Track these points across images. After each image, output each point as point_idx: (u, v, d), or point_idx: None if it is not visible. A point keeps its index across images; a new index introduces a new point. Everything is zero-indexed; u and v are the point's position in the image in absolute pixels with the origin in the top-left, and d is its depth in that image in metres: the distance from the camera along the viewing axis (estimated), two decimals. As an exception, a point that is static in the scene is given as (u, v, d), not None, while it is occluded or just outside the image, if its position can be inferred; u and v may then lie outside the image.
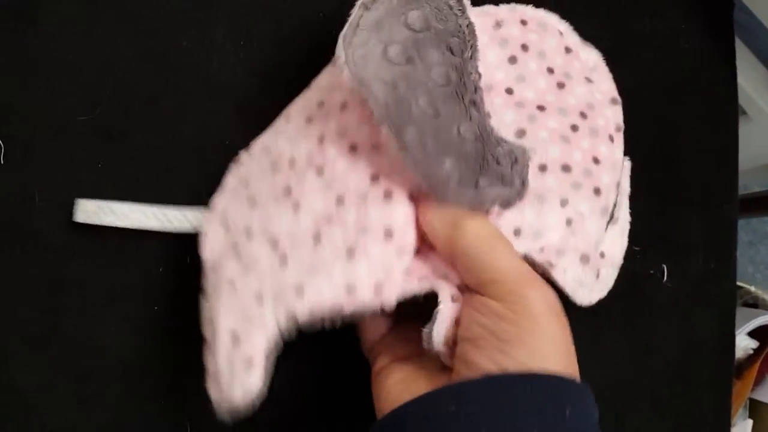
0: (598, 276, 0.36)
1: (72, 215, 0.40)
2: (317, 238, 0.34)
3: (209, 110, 0.41)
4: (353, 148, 0.35)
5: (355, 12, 0.34)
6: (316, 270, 0.33)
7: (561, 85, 0.38)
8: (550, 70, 0.39)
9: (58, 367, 0.40)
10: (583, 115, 0.38)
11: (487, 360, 0.28)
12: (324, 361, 0.37)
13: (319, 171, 0.35)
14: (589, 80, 0.39)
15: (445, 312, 0.32)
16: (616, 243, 0.37)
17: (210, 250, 0.36)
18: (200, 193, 0.39)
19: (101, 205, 0.39)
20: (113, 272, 0.40)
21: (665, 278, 0.40)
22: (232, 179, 0.38)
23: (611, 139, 0.38)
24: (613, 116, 0.39)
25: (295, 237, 0.34)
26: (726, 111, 0.42)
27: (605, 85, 0.39)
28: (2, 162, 0.40)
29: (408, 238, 0.34)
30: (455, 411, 0.27)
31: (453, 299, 0.32)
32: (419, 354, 0.33)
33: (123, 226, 0.39)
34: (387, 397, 0.32)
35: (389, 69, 0.33)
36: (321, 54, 0.39)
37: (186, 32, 0.42)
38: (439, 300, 0.32)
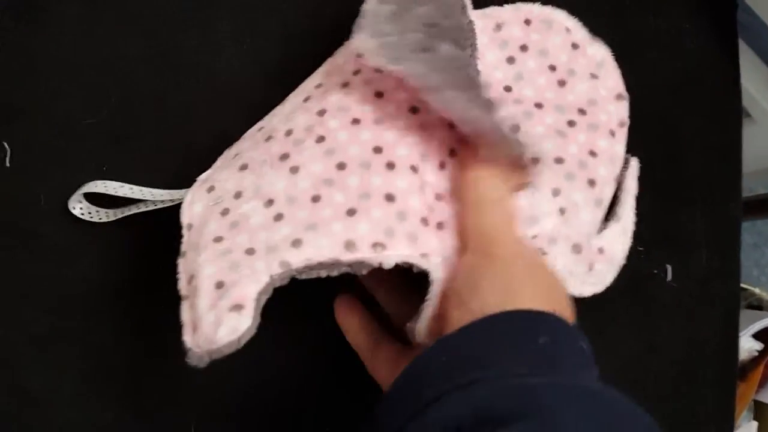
0: (591, 269, 0.36)
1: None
2: (316, 199, 0.34)
3: (214, 110, 0.41)
4: (356, 122, 0.36)
5: (371, 4, 0.35)
6: (314, 227, 0.33)
7: (562, 83, 0.39)
8: (552, 68, 0.39)
9: (62, 366, 0.40)
10: (582, 112, 0.38)
11: (462, 312, 0.30)
12: (336, 347, 0.37)
13: (320, 139, 0.35)
14: (594, 76, 0.39)
15: (428, 309, 0.33)
16: (617, 241, 0.38)
17: (190, 215, 0.35)
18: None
19: (95, 182, 0.39)
20: (117, 272, 0.40)
21: (669, 277, 0.40)
22: (221, 158, 0.38)
23: (612, 133, 0.38)
24: (617, 112, 0.39)
25: (292, 197, 0.34)
26: (729, 109, 0.42)
27: (611, 81, 0.40)
28: (8, 165, 0.41)
29: (410, 203, 0.34)
30: (432, 365, 0.29)
31: (442, 284, 0.33)
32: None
33: (110, 193, 0.39)
34: (387, 377, 0.34)
35: (413, 54, 0.34)
36: (326, 51, 0.40)
37: (189, 32, 0.42)
38: (426, 298, 0.33)
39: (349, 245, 0.33)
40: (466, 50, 0.35)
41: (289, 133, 0.36)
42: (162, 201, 0.39)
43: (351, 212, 0.33)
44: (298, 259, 0.32)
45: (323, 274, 0.33)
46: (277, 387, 0.37)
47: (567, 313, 0.31)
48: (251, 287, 0.31)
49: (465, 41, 0.35)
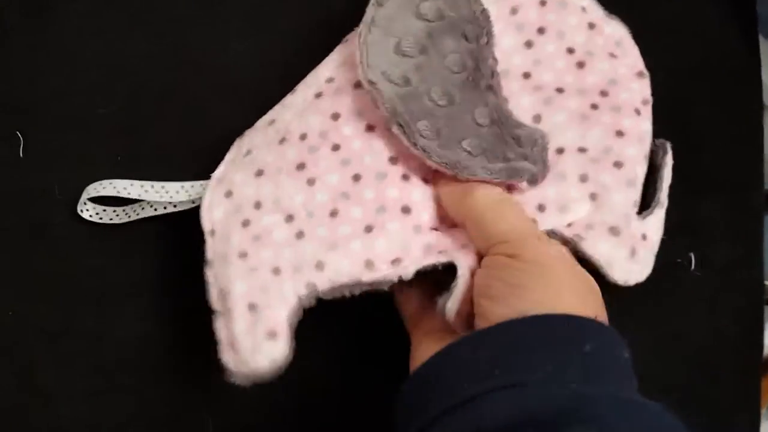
0: (634, 254, 0.35)
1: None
2: (334, 213, 0.35)
3: (225, 105, 0.41)
4: (370, 128, 0.36)
5: (369, 10, 0.35)
6: (334, 246, 0.34)
7: (581, 65, 0.38)
8: (570, 50, 0.38)
9: (75, 361, 0.39)
10: (603, 93, 0.38)
11: (502, 307, 0.29)
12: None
13: (335, 148, 0.36)
14: (612, 56, 0.39)
15: (461, 284, 0.32)
16: (658, 227, 0.37)
17: (211, 220, 0.36)
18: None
19: (102, 182, 0.39)
20: (131, 265, 0.40)
21: (692, 266, 0.40)
22: (233, 150, 0.38)
23: (637, 112, 0.37)
24: (640, 90, 0.38)
25: (311, 212, 0.35)
26: (750, 98, 0.42)
27: (631, 58, 0.39)
28: (21, 156, 0.41)
29: (425, 216, 0.35)
30: (471, 357, 0.28)
31: (471, 271, 0.33)
32: (449, 328, 0.33)
33: (123, 196, 0.38)
34: None
35: (401, 63, 0.35)
36: (335, 47, 0.39)
37: (199, 28, 0.42)
38: (458, 274, 0.33)
39: (369, 264, 0.34)
40: (482, 39, 0.35)
41: (303, 137, 0.36)
42: (177, 202, 0.39)
43: (368, 229, 0.34)
44: (323, 281, 0.33)
45: (346, 293, 0.34)
46: (295, 382, 0.37)
47: (604, 317, 0.31)
48: (282, 311, 0.33)
49: (480, 29, 0.36)
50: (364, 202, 0.35)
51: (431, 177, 0.36)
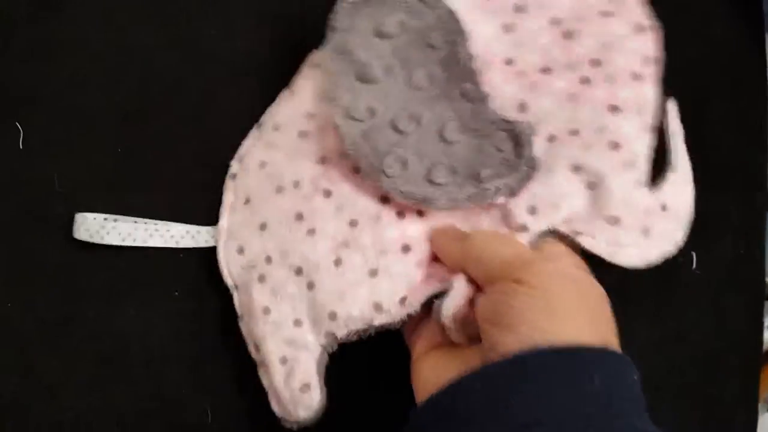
0: (647, 234, 0.34)
1: (92, 200, 0.39)
2: (338, 262, 0.35)
3: (232, 98, 0.41)
4: (356, 170, 0.36)
5: (328, 35, 0.35)
6: (343, 295, 0.35)
7: (568, 35, 0.36)
8: (555, 21, 0.36)
9: (78, 353, 0.39)
10: (595, 63, 0.35)
11: (510, 335, 0.28)
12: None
13: (327, 194, 0.36)
14: (606, 14, 0.36)
15: (457, 288, 0.32)
16: (679, 192, 0.35)
17: (231, 276, 0.38)
18: (219, 183, 0.39)
19: (104, 223, 0.39)
20: (133, 258, 0.40)
21: (694, 265, 0.40)
22: (230, 195, 0.39)
23: (635, 77, 0.35)
24: (640, 47, 0.35)
25: (316, 264, 0.35)
26: (756, 96, 0.42)
27: (628, 12, 0.36)
28: (21, 147, 0.40)
29: (424, 250, 0.35)
30: (484, 391, 0.28)
31: (467, 279, 0.32)
32: (447, 338, 0.33)
33: (126, 245, 0.39)
34: (423, 386, 0.32)
35: (365, 92, 0.35)
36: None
37: (210, 19, 0.41)
38: (453, 279, 0.32)
39: (378, 307, 0.34)
40: (450, 43, 0.35)
41: (296, 185, 0.37)
42: (174, 240, 0.39)
43: (373, 273, 0.35)
44: (340, 329, 0.35)
45: (363, 336, 0.35)
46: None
47: (612, 335, 0.30)
48: (311, 363, 0.35)
49: (448, 33, 0.35)
50: (364, 249, 0.35)
51: (424, 210, 0.35)
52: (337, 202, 0.36)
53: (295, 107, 0.38)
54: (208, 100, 0.41)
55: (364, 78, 0.35)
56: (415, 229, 0.35)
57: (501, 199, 0.34)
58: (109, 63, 0.41)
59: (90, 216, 0.39)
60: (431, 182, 0.34)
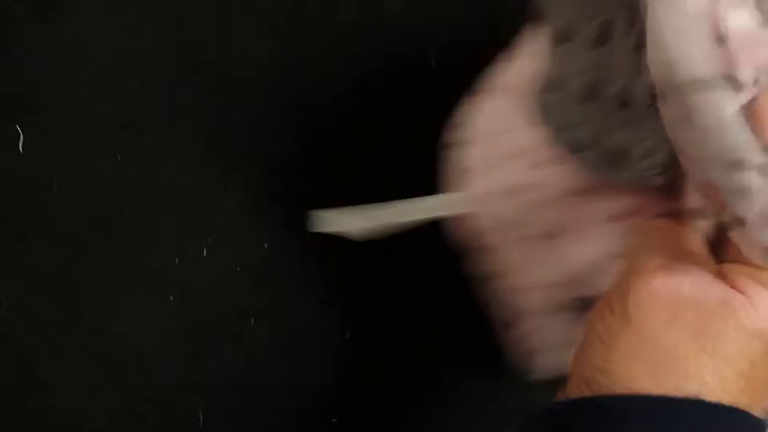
0: None
1: (91, 203, 0.40)
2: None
3: (231, 103, 0.41)
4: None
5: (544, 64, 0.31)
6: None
7: None
8: None
9: (73, 354, 0.40)
10: None
11: (606, 375, 0.24)
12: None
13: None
14: None
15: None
16: None
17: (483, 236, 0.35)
18: (220, 189, 0.39)
19: (333, 217, 0.35)
20: (129, 261, 0.40)
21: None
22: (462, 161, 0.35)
23: None
24: None
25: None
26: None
27: None
28: (21, 150, 0.40)
29: None
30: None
31: None
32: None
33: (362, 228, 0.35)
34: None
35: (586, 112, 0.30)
36: (343, 49, 0.39)
37: (209, 25, 0.41)
38: None
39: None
40: None
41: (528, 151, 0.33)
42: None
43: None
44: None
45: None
46: (288, 377, 0.37)
47: (759, 396, 0.24)
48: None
49: None
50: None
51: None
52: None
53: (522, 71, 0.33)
54: (205, 107, 0.41)
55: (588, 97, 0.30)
56: None
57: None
58: (109, 68, 0.41)
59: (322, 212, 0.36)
60: None
